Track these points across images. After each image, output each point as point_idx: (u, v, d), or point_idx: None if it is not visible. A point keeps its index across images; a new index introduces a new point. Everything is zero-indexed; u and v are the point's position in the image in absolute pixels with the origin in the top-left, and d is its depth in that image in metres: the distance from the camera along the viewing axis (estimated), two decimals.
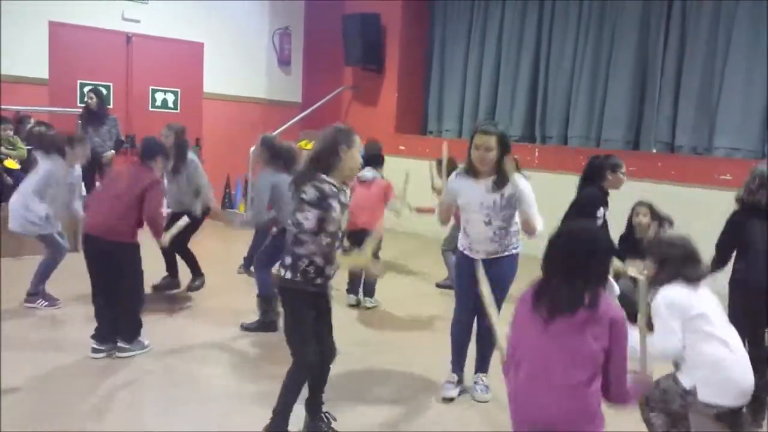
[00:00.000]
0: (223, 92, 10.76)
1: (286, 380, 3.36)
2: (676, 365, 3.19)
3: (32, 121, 8.17)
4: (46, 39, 8.83)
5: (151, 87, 10.02)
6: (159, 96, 10.12)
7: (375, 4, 10.37)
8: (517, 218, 3.97)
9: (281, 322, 3.72)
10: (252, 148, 9.93)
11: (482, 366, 4.24)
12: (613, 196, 5.32)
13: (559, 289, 2.50)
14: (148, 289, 5.40)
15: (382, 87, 10.70)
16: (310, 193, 3.22)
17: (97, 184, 8.51)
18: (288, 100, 11.59)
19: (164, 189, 4.82)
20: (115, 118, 8.66)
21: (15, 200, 5.58)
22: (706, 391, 3.06)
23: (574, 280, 2.50)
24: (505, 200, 3.87)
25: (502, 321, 2.89)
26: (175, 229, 5.03)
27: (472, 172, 3.93)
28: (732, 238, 4.07)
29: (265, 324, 5.26)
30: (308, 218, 3.21)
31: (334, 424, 3.61)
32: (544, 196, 8.81)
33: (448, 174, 4.13)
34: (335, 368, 3.66)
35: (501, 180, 3.84)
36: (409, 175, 5.38)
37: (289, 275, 3.31)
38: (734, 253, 4.07)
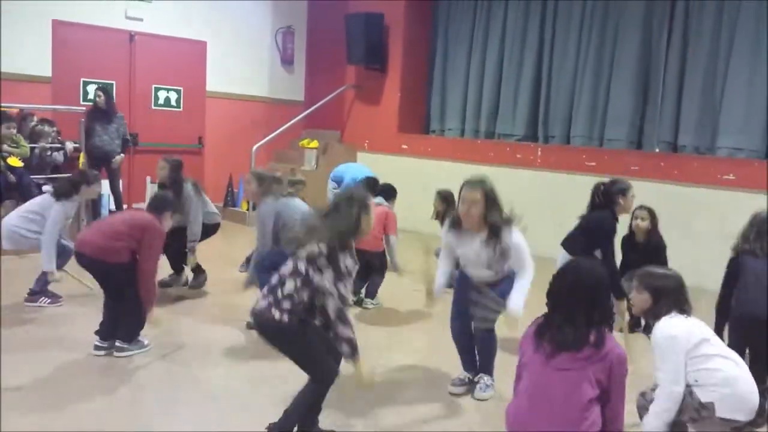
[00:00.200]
0: (226, 91, 10.77)
1: (307, 392, 3.29)
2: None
3: (35, 119, 8.19)
4: (49, 37, 8.84)
5: (153, 85, 10.02)
6: (162, 94, 10.12)
7: (378, 3, 10.36)
8: None
9: None
10: (254, 148, 9.98)
11: (485, 368, 4.25)
12: None
13: (561, 327, 2.57)
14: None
15: (384, 86, 10.69)
16: (350, 264, 3.17)
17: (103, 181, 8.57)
18: (291, 99, 11.60)
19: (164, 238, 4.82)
20: (122, 116, 8.70)
21: (10, 222, 5.48)
22: (723, 407, 3.08)
23: (577, 319, 2.56)
24: (499, 254, 3.90)
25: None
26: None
27: (459, 224, 3.97)
28: (731, 285, 4.09)
29: None
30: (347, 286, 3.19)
31: (334, 425, 3.61)
32: (547, 196, 8.88)
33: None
34: None
35: (492, 237, 3.87)
36: (430, 248, 5.26)
37: (286, 318, 3.14)
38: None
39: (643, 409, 3.28)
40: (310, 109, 11.10)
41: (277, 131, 10.55)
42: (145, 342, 4.71)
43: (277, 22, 11.34)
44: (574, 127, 9.17)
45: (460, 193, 3.95)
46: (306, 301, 3.15)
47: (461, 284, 4.22)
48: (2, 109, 7.53)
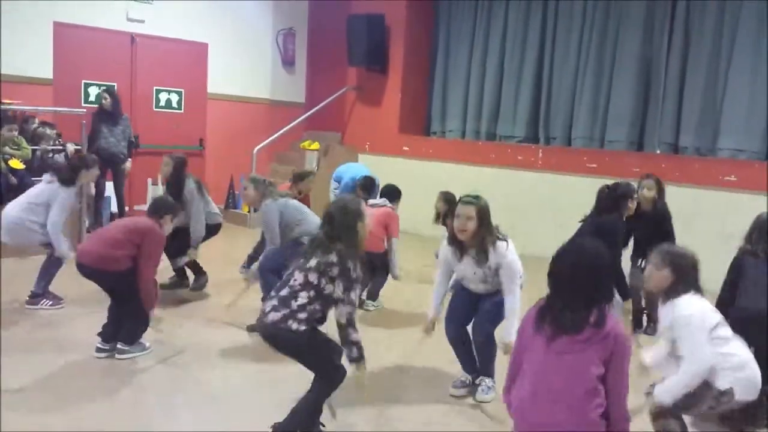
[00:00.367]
0: (227, 92, 10.76)
1: (316, 392, 3.40)
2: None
3: (36, 121, 8.20)
4: (51, 39, 8.85)
5: (155, 87, 10.02)
6: (163, 96, 10.12)
7: (379, 4, 10.36)
8: None
9: None
10: (255, 150, 9.99)
11: (485, 370, 4.28)
12: None
13: (562, 311, 2.54)
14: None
15: (386, 87, 10.69)
16: (359, 271, 3.34)
17: (108, 183, 8.58)
18: (292, 101, 11.60)
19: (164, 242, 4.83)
20: (127, 118, 8.70)
21: (11, 214, 5.46)
22: (740, 390, 3.14)
23: (578, 301, 2.53)
24: (494, 270, 4.03)
25: None
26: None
27: (455, 241, 4.08)
28: (734, 280, 4.11)
29: None
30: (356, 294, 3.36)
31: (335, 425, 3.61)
32: (548, 197, 8.86)
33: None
34: None
35: (482, 256, 3.99)
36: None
37: (303, 327, 3.29)
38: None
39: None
40: (311, 111, 11.10)
41: (278, 133, 10.55)
42: (147, 344, 4.71)
43: (278, 23, 11.34)
44: (575, 128, 9.17)
45: (455, 209, 4.06)
46: (319, 310, 3.33)
47: (458, 294, 4.33)
48: (4, 107, 7.54)
